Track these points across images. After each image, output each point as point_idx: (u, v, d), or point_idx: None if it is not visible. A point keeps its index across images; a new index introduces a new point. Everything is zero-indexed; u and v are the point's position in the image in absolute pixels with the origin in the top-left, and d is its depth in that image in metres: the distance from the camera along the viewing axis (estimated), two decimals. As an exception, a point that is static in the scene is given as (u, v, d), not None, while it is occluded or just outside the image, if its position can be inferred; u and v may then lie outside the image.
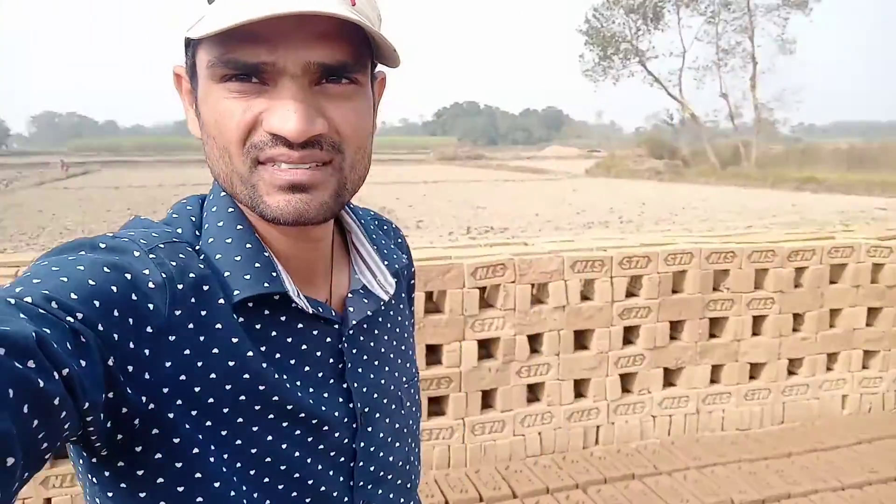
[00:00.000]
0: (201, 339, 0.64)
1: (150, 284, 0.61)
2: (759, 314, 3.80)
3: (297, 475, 0.70)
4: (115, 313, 0.57)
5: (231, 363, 0.65)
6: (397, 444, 0.82)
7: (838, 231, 4.29)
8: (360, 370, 0.77)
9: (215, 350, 0.64)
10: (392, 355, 0.84)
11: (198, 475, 0.63)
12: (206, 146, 0.68)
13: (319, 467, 0.72)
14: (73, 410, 0.51)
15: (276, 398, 0.68)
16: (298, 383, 0.70)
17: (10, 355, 0.46)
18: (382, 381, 0.80)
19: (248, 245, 0.70)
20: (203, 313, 0.64)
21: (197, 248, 0.69)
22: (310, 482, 0.71)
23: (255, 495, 0.67)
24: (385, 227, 0.93)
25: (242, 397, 0.65)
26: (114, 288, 0.58)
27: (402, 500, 0.83)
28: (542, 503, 2.97)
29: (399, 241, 0.94)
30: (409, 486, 0.85)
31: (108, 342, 0.56)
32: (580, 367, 3.52)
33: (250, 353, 0.66)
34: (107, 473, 0.63)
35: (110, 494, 0.64)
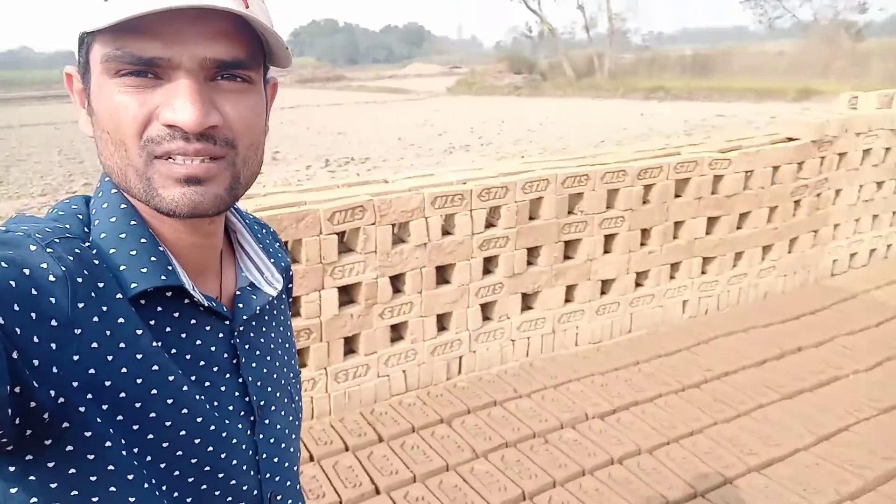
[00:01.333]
0: (108, 333, 0.64)
1: (51, 278, 0.60)
2: (610, 233, 3.98)
3: (207, 468, 0.72)
4: (16, 307, 0.56)
5: (139, 356, 0.65)
6: (293, 436, 0.86)
7: (683, 146, 4.52)
8: (253, 364, 0.79)
9: (122, 344, 0.64)
10: (279, 351, 0.86)
11: (110, 467, 0.64)
12: (98, 142, 0.68)
13: (233, 462, 0.75)
14: None
15: (185, 388, 0.69)
16: (194, 377, 0.72)
17: None
18: (274, 376, 0.83)
19: (143, 240, 0.70)
20: (104, 308, 0.64)
21: (87, 244, 0.68)
22: (220, 475, 0.73)
23: (165, 487, 0.68)
24: (265, 230, 0.94)
25: (153, 391, 0.66)
26: (12, 283, 0.57)
27: (298, 487, 0.88)
28: (408, 443, 3.03)
29: (277, 244, 0.95)
30: (298, 476, 0.89)
31: (11, 337, 0.55)
32: (442, 302, 3.56)
33: (156, 344, 0.67)
34: (12, 468, 0.61)
35: (13, 491, 0.62)
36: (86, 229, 0.70)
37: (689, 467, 2.85)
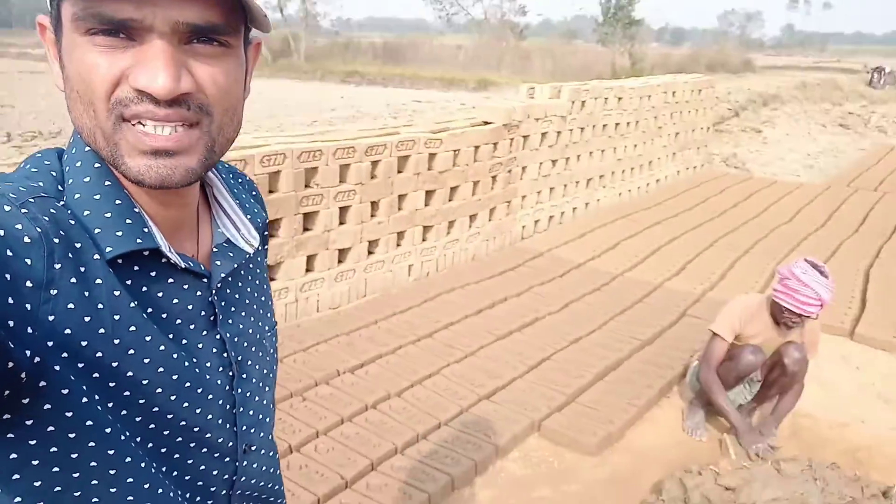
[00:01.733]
0: (85, 294, 0.63)
1: (26, 239, 0.59)
2: (344, 205, 4.26)
3: (183, 423, 0.72)
4: None
5: (116, 317, 0.65)
6: (266, 389, 0.86)
7: (400, 127, 4.96)
8: (230, 321, 0.80)
9: (100, 305, 0.64)
10: (255, 306, 0.86)
11: (88, 423, 0.64)
12: (69, 100, 0.65)
13: (209, 417, 0.75)
14: None
15: (162, 348, 0.69)
16: (172, 335, 0.72)
17: None
18: (250, 331, 0.83)
19: (118, 201, 0.68)
20: (82, 269, 0.63)
21: (62, 203, 0.66)
22: (195, 429, 0.74)
23: (140, 439, 0.69)
24: (241, 181, 0.92)
25: (131, 351, 0.66)
26: None
27: (270, 437, 0.89)
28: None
29: (254, 193, 0.93)
30: (272, 426, 0.91)
31: None
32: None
33: (133, 305, 0.67)
34: None
35: None
36: (59, 187, 0.68)
37: (433, 403, 3.28)
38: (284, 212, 3.92)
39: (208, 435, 0.77)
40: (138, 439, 0.70)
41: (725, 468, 2.46)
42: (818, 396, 3.63)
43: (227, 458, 0.81)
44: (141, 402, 0.68)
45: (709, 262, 5.54)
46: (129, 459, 0.68)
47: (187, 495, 0.77)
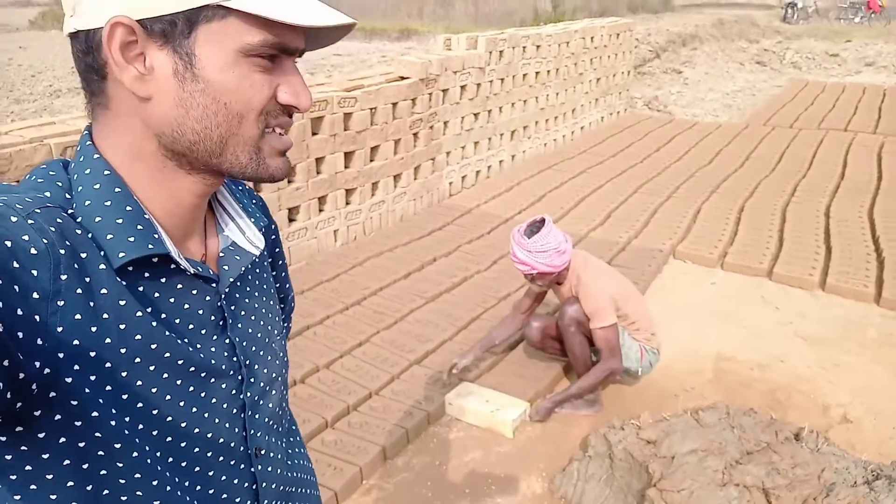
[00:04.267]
0: (91, 304, 0.64)
1: (32, 251, 0.61)
2: (258, 174, 4.09)
3: (196, 430, 0.74)
4: None
5: (122, 326, 0.66)
6: (273, 392, 0.88)
7: (312, 86, 4.77)
8: (239, 325, 0.81)
9: (105, 315, 0.65)
10: (263, 310, 0.87)
11: (97, 434, 0.65)
12: (192, 109, 0.69)
13: (216, 420, 0.77)
14: None
15: (167, 355, 0.71)
16: (186, 339, 0.73)
17: None
18: (259, 335, 0.84)
19: (129, 208, 0.70)
20: (87, 280, 0.65)
21: (70, 212, 0.68)
22: (209, 435, 0.76)
23: (158, 454, 0.71)
24: (241, 188, 0.94)
25: (137, 359, 0.68)
26: None
27: (281, 442, 0.90)
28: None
29: (255, 201, 0.95)
30: (282, 429, 0.92)
31: None
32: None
33: (139, 314, 0.68)
34: (3, 438, 0.62)
35: (9, 457, 0.63)
36: (67, 195, 0.70)
37: (363, 373, 3.24)
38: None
39: (221, 440, 0.78)
40: (158, 454, 0.71)
41: (647, 421, 2.52)
42: (739, 338, 3.76)
43: (243, 466, 0.82)
44: (154, 412, 0.70)
45: (632, 209, 5.61)
46: (139, 474, 0.69)
47: None
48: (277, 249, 1.01)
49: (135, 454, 0.69)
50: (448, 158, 5.87)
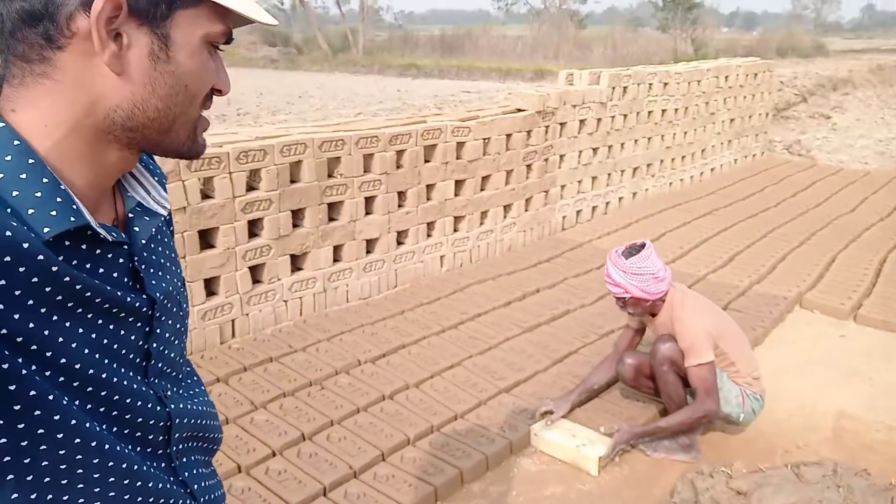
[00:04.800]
0: (20, 269, 0.64)
1: None
2: (369, 195, 4.22)
3: (114, 379, 0.76)
4: None
5: (48, 289, 0.67)
6: (176, 342, 0.91)
7: (429, 115, 4.88)
8: (153, 282, 0.83)
9: (35, 279, 0.66)
10: (168, 263, 0.90)
11: (56, 417, 0.68)
12: (158, 87, 0.74)
13: (123, 370, 0.78)
14: None
15: (90, 316, 0.73)
16: (108, 288, 0.75)
17: None
18: (170, 289, 0.87)
19: (45, 180, 0.69)
20: (25, 245, 0.64)
21: None
22: (124, 382, 0.77)
23: (77, 402, 0.72)
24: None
25: (55, 317, 0.68)
26: None
27: (177, 389, 0.91)
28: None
29: (150, 160, 0.96)
30: (181, 377, 0.93)
31: None
32: (208, 266, 3.55)
33: (67, 279, 0.69)
34: None
35: None
36: None
37: (451, 395, 3.20)
38: (308, 201, 3.90)
39: (134, 387, 0.80)
40: (77, 402, 0.72)
41: (739, 470, 2.30)
42: (866, 396, 3.40)
43: (150, 405, 0.83)
44: (77, 366, 0.71)
45: (759, 253, 5.27)
46: (73, 426, 0.70)
47: (137, 449, 0.81)
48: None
49: (87, 425, 0.72)
50: (562, 192, 5.79)
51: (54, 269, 0.67)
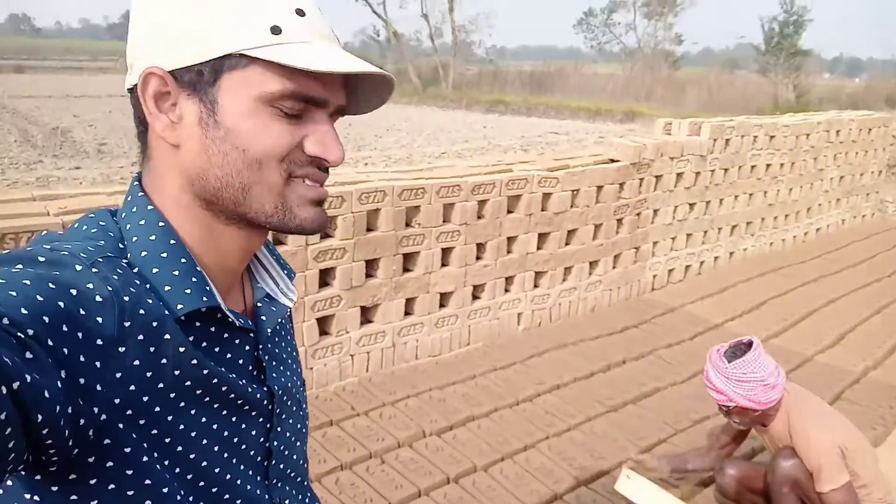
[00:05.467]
0: (151, 349, 0.66)
1: (98, 298, 0.62)
2: (447, 246, 3.98)
3: (228, 476, 0.75)
4: (64, 328, 0.58)
5: (177, 371, 0.68)
6: (298, 444, 0.89)
7: (515, 163, 4.62)
8: (274, 375, 0.82)
9: (164, 360, 0.67)
10: (289, 361, 0.88)
11: (147, 482, 0.66)
12: (214, 155, 0.71)
13: (242, 468, 0.77)
14: (19, 427, 0.51)
15: (216, 406, 0.73)
16: (233, 376, 0.75)
17: None
18: (289, 385, 0.85)
19: (183, 260, 0.72)
20: (154, 324, 0.66)
21: (125, 261, 0.70)
22: (238, 481, 0.76)
23: (191, 498, 0.71)
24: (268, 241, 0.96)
25: (182, 404, 0.69)
26: (61, 303, 0.59)
27: (300, 496, 0.90)
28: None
29: (278, 254, 0.95)
30: (305, 482, 0.92)
31: (59, 356, 0.57)
32: (274, 316, 3.36)
33: (194, 362, 0.70)
34: (54, 488, 0.63)
35: None
36: (120, 245, 0.72)
37: (521, 483, 2.87)
38: (382, 251, 3.69)
39: (248, 488, 0.78)
40: (191, 499, 0.71)
41: None
42: None
43: None
44: (191, 456, 0.71)
45: (874, 333, 4.71)
46: None
47: None
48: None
49: (178, 498, 0.69)
50: (654, 249, 5.39)
51: (182, 349, 0.68)
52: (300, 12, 0.70)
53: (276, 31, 0.68)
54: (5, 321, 0.53)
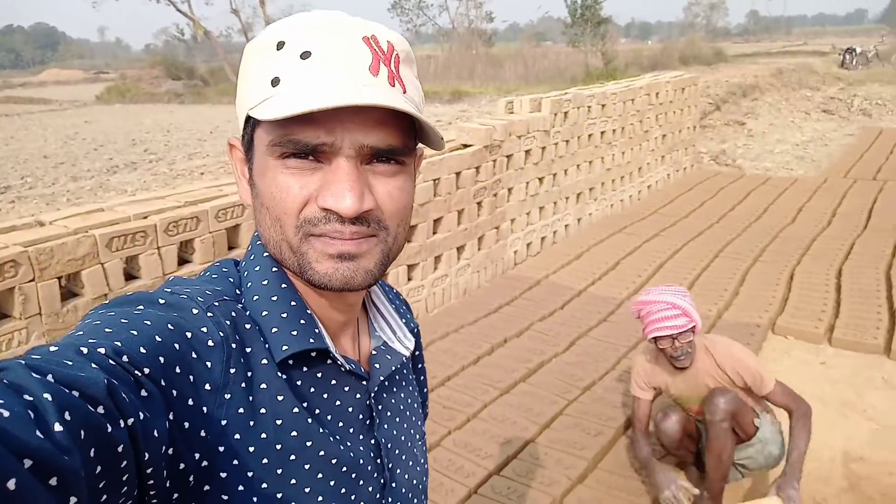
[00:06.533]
0: (251, 398, 0.66)
1: (210, 343, 0.64)
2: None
3: None
4: (177, 370, 0.60)
5: (279, 422, 0.67)
6: (415, 501, 0.84)
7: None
8: (385, 426, 0.80)
9: (263, 410, 0.66)
10: (408, 412, 0.86)
11: None
12: (258, 214, 0.72)
13: None
14: (133, 462, 0.52)
15: (322, 453, 0.70)
16: (338, 437, 0.73)
17: (83, 398, 0.48)
18: (403, 438, 0.83)
19: (293, 303, 0.72)
20: (250, 374, 0.66)
21: (240, 305, 0.71)
22: None
23: None
24: (386, 289, 0.93)
25: (292, 456, 0.68)
26: (176, 345, 0.60)
27: None
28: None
29: (405, 306, 0.95)
30: None
31: (169, 397, 0.58)
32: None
33: (296, 410, 0.68)
34: None
35: None
36: (238, 291, 0.73)
37: (433, 485, 2.82)
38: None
39: None
40: None
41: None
42: (866, 432, 3.23)
43: None
44: None
45: (717, 276, 5.13)
46: None
47: None
48: (418, 353, 1.00)
49: None
50: (512, 226, 5.51)
51: (280, 398, 0.68)
52: (305, 55, 0.66)
53: (275, 82, 0.66)
54: (125, 359, 0.55)
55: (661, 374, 2.72)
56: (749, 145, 11.19)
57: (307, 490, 0.69)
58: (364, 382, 0.78)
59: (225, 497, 0.63)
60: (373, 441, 0.77)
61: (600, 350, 3.97)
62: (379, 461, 0.78)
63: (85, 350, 0.54)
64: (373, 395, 0.78)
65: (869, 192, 7.53)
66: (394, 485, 0.80)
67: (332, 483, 0.71)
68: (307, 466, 0.69)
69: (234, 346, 0.65)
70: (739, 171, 9.38)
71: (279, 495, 0.67)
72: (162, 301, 0.64)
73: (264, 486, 0.65)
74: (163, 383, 0.57)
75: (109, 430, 0.49)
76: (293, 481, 0.67)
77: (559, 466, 2.90)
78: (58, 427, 0.45)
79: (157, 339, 0.59)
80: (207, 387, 0.62)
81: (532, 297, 4.83)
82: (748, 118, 13.51)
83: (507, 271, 5.45)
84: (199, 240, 3.21)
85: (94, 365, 0.52)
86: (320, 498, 0.70)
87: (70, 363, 0.51)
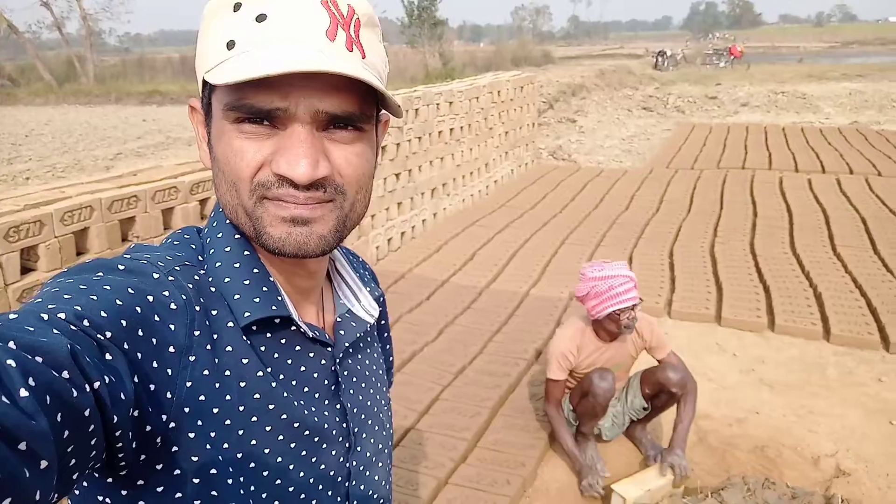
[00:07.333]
0: (216, 360, 0.66)
1: (172, 306, 0.64)
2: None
3: (302, 496, 0.73)
4: (140, 333, 0.60)
5: (243, 384, 0.67)
6: (380, 465, 0.86)
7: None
8: (351, 391, 0.81)
9: (227, 372, 0.67)
10: (373, 378, 0.87)
11: (213, 493, 0.66)
12: (215, 178, 0.71)
13: (320, 487, 0.75)
14: (99, 425, 0.52)
15: (284, 416, 0.70)
16: (302, 402, 0.73)
17: (47, 364, 0.48)
18: (368, 403, 0.84)
19: (255, 270, 0.73)
20: (215, 336, 0.67)
21: (202, 272, 0.71)
22: (314, 501, 0.75)
23: None
24: (358, 260, 0.95)
25: (254, 418, 0.68)
26: (138, 309, 0.60)
27: None
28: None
29: (369, 274, 0.95)
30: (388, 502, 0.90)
31: (133, 361, 0.58)
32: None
33: (260, 374, 0.69)
34: (124, 492, 0.64)
35: None
36: (200, 257, 0.73)
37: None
38: (103, 276, 3.23)
39: None
40: None
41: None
42: (708, 392, 3.60)
43: None
44: (265, 473, 0.69)
45: (565, 262, 5.47)
46: None
47: None
48: (383, 321, 1.01)
49: None
50: (373, 222, 5.55)
51: (244, 361, 0.68)
52: (261, 18, 0.65)
53: (230, 45, 0.65)
54: (86, 323, 0.55)
55: (591, 347, 2.89)
56: (582, 141, 11.98)
57: (267, 451, 0.69)
58: (329, 349, 0.78)
59: (194, 458, 0.64)
60: (338, 406, 0.78)
61: (467, 336, 4.11)
62: (345, 425, 0.79)
63: (46, 316, 0.53)
64: (338, 361, 0.79)
65: (689, 180, 8.35)
66: (359, 448, 0.81)
67: (292, 445, 0.71)
68: (268, 428, 0.69)
69: (197, 308, 0.65)
70: (575, 164, 10.02)
71: (239, 455, 0.67)
72: (121, 267, 0.64)
73: (226, 446, 0.66)
74: (126, 346, 0.57)
75: (75, 394, 0.49)
76: (253, 442, 0.68)
77: (442, 449, 2.99)
78: (23, 392, 0.45)
79: (118, 302, 0.58)
80: (171, 349, 0.62)
81: (398, 291, 4.90)
82: (578, 115, 14.45)
83: (373, 266, 5.46)
84: (45, 245, 2.96)
85: (55, 331, 0.52)
86: (279, 459, 0.70)
87: (32, 329, 0.50)
